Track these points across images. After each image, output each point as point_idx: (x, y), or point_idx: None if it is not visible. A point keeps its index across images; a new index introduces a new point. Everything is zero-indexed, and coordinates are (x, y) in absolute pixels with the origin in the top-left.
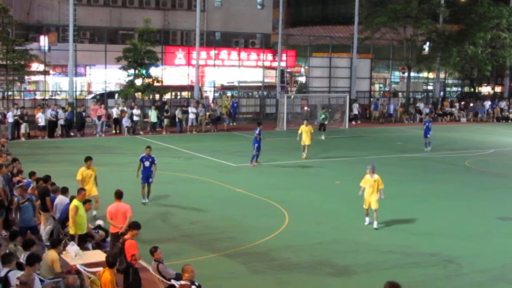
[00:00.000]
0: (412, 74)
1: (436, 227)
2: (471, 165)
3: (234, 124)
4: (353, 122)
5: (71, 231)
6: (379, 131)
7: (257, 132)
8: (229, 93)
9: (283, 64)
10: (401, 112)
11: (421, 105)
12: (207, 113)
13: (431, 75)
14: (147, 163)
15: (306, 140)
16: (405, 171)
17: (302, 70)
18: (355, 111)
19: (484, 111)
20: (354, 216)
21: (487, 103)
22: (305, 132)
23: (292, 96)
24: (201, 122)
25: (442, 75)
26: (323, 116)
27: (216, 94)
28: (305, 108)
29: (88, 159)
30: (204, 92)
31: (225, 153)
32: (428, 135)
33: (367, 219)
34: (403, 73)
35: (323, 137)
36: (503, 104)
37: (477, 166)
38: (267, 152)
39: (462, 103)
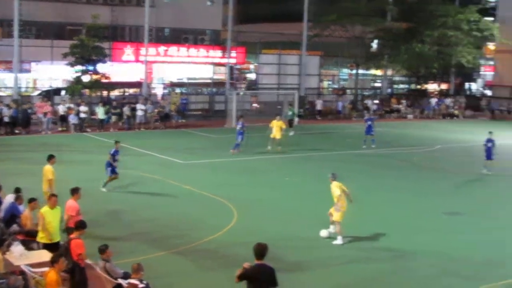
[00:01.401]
0: (361, 71)
1: (385, 223)
2: (419, 161)
3: (183, 121)
4: (319, 118)
5: (41, 240)
6: (328, 128)
7: (239, 125)
8: (178, 90)
9: (232, 61)
10: (350, 109)
11: (369, 102)
12: (156, 110)
13: (379, 73)
14: (119, 157)
15: (276, 134)
16: (354, 168)
17: (252, 67)
18: (319, 107)
19: (431, 108)
20: (305, 212)
21: (433, 100)
22: (276, 126)
23: (242, 93)
24: (150, 119)
25: (389, 73)
26: (290, 112)
27: (165, 91)
28: (255, 105)
29: (52, 156)
30: (153, 88)
31: (174, 150)
32: (372, 132)
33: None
34: (352, 70)
35: (291, 133)
36: (448, 101)
37: (424, 162)
38: (216, 149)
39: (409, 100)
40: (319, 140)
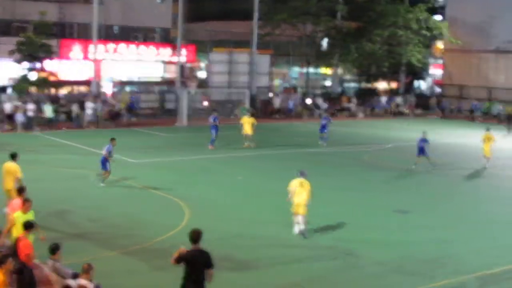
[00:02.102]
0: (311, 70)
1: (334, 220)
2: (370, 159)
3: (134, 119)
4: (277, 116)
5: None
6: (279, 127)
7: (212, 119)
8: (128, 88)
9: (183, 59)
10: (302, 108)
11: (319, 101)
12: (106, 109)
13: (329, 71)
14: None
15: (247, 130)
16: (304, 166)
17: (203, 65)
18: (277, 105)
19: (381, 107)
20: (256, 211)
21: (383, 99)
22: (246, 123)
23: (193, 92)
24: (99, 117)
25: (340, 71)
26: (244, 111)
27: (115, 89)
28: (206, 103)
29: (16, 154)
30: (102, 87)
31: (125, 149)
32: (325, 131)
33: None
34: (302, 68)
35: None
36: (399, 99)
37: (376, 161)
38: (168, 148)
39: (360, 99)
40: (270, 139)
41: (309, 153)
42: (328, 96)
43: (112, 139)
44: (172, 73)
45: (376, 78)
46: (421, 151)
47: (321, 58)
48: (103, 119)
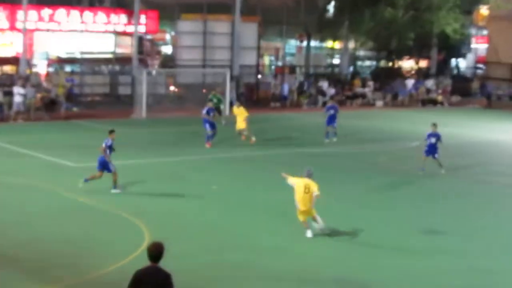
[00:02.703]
0: (313, 43)
1: (343, 243)
2: (389, 162)
3: (75, 110)
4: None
5: None
6: (270, 119)
7: (204, 111)
8: (68, 68)
9: (141, 29)
10: (298, 94)
11: (324, 85)
12: (39, 95)
13: (337, 45)
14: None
15: (240, 124)
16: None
17: (168, 37)
18: (285, 92)
19: (406, 92)
20: (235, 230)
21: (410, 82)
22: (238, 115)
23: (155, 72)
24: (30, 106)
25: (351, 46)
26: (215, 100)
27: (51, 69)
28: (172, 88)
29: None
30: (34, 66)
31: (62, 149)
32: (334, 124)
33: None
34: (301, 42)
35: (223, 122)
36: (429, 83)
37: (396, 164)
38: (120, 148)
39: (378, 82)
40: (259, 135)
41: (309, 154)
42: (335, 78)
43: (111, 131)
44: (126, 47)
45: (399, 54)
46: (430, 149)
47: (326, 28)
48: (35, 108)
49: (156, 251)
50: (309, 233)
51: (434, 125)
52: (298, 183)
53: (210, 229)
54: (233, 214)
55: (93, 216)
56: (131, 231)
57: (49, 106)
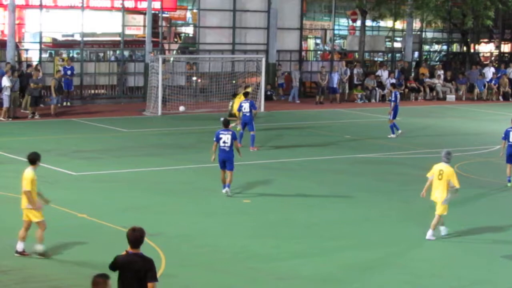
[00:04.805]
0: (369, 23)
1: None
2: (463, 171)
3: (69, 104)
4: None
5: None
6: (314, 117)
7: (244, 105)
8: (65, 54)
9: (156, 5)
10: (351, 86)
11: (383, 74)
12: (32, 86)
13: (398, 25)
14: None
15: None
16: (358, 182)
17: (189, 15)
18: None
19: (484, 84)
20: (276, 256)
21: (489, 71)
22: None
23: (172, 59)
24: (15, 100)
25: (416, 25)
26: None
27: (45, 55)
28: (194, 78)
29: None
30: (25, 51)
31: (57, 154)
32: (396, 115)
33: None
34: (354, 21)
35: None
36: None
37: (473, 173)
38: (129, 152)
39: (449, 70)
40: (297, 138)
41: (364, 160)
42: (397, 66)
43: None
44: (138, 28)
45: (476, 37)
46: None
47: (385, 4)
48: (24, 103)
49: (136, 237)
50: (443, 230)
51: None
52: (434, 169)
53: (238, 255)
54: (265, 236)
55: (96, 236)
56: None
57: (37, 100)
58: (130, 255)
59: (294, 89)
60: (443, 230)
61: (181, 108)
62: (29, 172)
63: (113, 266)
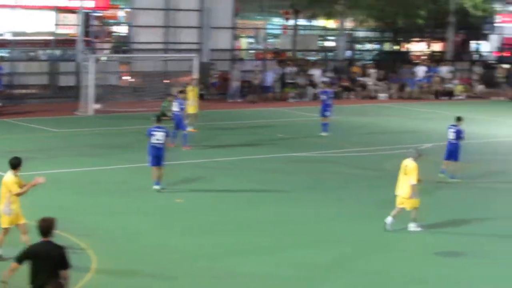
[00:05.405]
0: (302, 22)
1: (342, 265)
2: (395, 169)
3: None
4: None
5: None
6: (246, 116)
7: (177, 103)
8: None
9: (89, 4)
10: (283, 85)
11: (315, 73)
12: None
13: (331, 25)
14: None
15: (191, 108)
16: (292, 181)
17: (122, 14)
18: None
19: (415, 82)
20: (211, 255)
21: (420, 70)
22: (192, 95)
23: (105, 58)
24: None
25: (349, 24)
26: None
27: None
28: (127, 78)
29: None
30: None
31: None
32: (328, 112)
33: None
34: (287, 20)
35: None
36: (444, 70)
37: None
38: (61, 152)
39: (382, 69)
40: (231, 137)
41: (297, 159)
42: (329, 64)
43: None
44: (70, 27)
45: (407, 36)
46: (452, 150)
47: (318, 3)
48: None
49: (46, 226)
50: (412, 227)
51: (459, 119)
52: (402, 164)
53: (169, 254)
54: (198, 234)
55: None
56: (76, 256)
57: None
58: (41, 244)
59: (234, 88)
60: (412, 226)
61: (96, 107)
62: (10, 176)
63: (23, 257)
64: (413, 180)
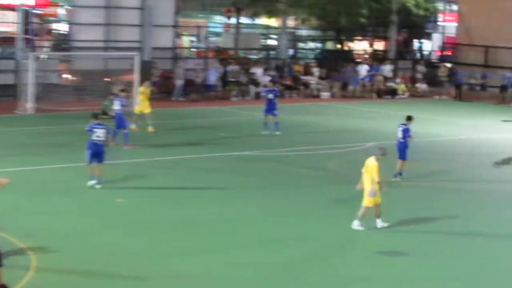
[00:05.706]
0: (244, 20)
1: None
2: (338, 167)
3: None
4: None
5: None
6: (188, 115)
7: (118, 102)
8: None
9: (28, 1)
10: (225, 83)
11: (258, 71)
12: None
13: (273, 23)
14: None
15: (144, 107)
16: (234, 180)
17: (62, 12)
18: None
19: (358, 81)
20: (156, 255)
21: (363, 68)
22: (143, 95)
23: (45, 57)
24: None
25: (291, 23)
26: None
27: None
28: (66, 76)
29: None
30: None
31: None
32: (275, 112)
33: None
34: (229, 18)
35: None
36: (387, 69)
37: (346, 170)
38: (0, 152)
39: (324, 68)
40: (172, 136)
41: (243, 158)
42: (271, 63)
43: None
44: (9, 25)
45: (349, 34)
46: (400, 148)
47: (260, 1)
48: None
49: None
50: (378, 223)
51: (409, 118)
52: (365, 162)
53: (112, 253)
54: (139, 234)
55: None
56: (14, 258)
57: None
58: None
59: (178, 86)
60: (378, 222)
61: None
62: None
63: None
64: (376, 178)
